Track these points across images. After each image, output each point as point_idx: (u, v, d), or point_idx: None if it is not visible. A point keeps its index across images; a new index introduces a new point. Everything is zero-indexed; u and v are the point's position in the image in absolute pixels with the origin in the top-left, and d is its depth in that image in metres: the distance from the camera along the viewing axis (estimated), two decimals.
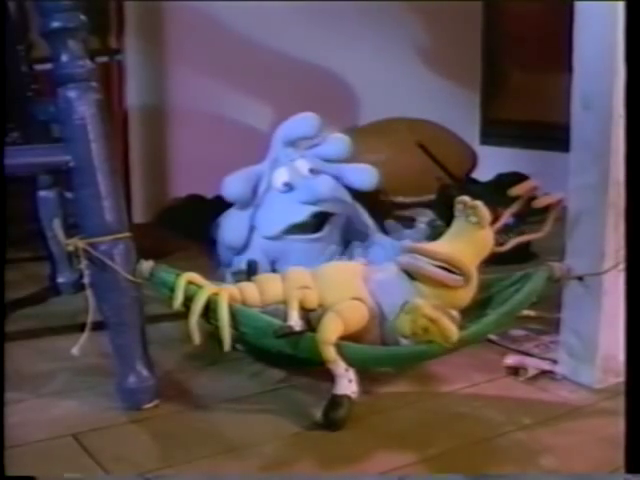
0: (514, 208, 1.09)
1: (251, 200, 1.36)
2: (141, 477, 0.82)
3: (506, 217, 1.09)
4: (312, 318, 0.98)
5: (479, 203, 1.02)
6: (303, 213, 1.32)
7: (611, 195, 0.99)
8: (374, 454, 0.88)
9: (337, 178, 1.36)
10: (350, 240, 1.38)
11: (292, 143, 1.36)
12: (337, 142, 1.38)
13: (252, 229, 1.35)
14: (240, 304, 0.97)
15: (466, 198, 1.03)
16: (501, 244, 1.08)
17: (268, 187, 1.36)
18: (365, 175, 1.36)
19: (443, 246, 1.03)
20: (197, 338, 0.93)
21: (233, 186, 1.36)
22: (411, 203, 2.11)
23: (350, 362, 0.94)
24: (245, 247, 1.35)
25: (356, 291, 1.00)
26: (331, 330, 0.93)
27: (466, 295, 1.02)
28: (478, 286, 1.03)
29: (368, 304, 0.99)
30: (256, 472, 0.84)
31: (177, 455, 0.87)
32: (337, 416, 0.93)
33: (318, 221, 1.34)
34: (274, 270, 1.28)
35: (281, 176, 1.35)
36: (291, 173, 1.34)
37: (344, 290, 1.00)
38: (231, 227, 1.37)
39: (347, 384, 0.93)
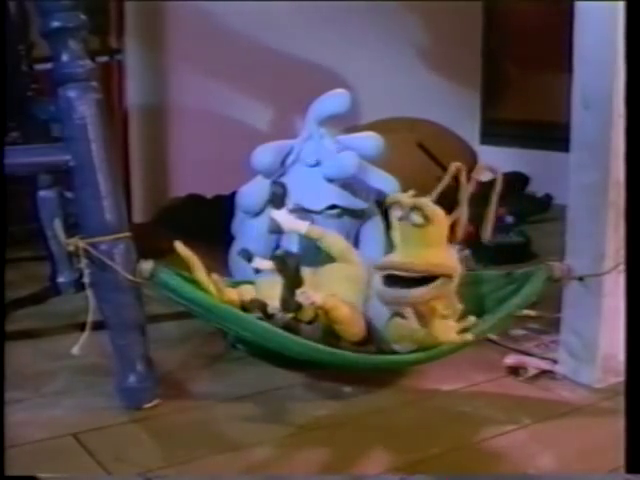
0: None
1: (277, 172, 1.39)
2: (141, 477, 0.82)
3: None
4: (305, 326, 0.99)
5: (424, 201, 0.95)
6: (323, 199, 1.34)
7: (611, 195, 0.99)
8: (374, 454, 0.88)
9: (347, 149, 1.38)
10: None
11: (324, 121, 1.39)
12: (372, 140, 1.39)
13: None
14: (239, 308, 0.97)
15: (399, 197, 0.97)
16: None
17: (295, 160, 1.39)
18: (371, 142, 1.38)
19: (408, 256, 0.96)
20: None
21: (263, 157, 1.38)
22: None
23: (346, 368, 0.94)
24: (259, 213, 1.37)
25: (352, 295, 1.01)
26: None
27: (453, 284, 0.99)
28: (477, 285, 1.03)
29: (360, 309, 0.99)
30: (256, 472, 0.84)
31: (177, 455, 0.87)
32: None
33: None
34: (277, 246, 1.31)
35: (311, 151, 1.37)
36: (320, 150, 1.37)
37: (341, 292, 1.00)
38: (250, 193, 1.39)
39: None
